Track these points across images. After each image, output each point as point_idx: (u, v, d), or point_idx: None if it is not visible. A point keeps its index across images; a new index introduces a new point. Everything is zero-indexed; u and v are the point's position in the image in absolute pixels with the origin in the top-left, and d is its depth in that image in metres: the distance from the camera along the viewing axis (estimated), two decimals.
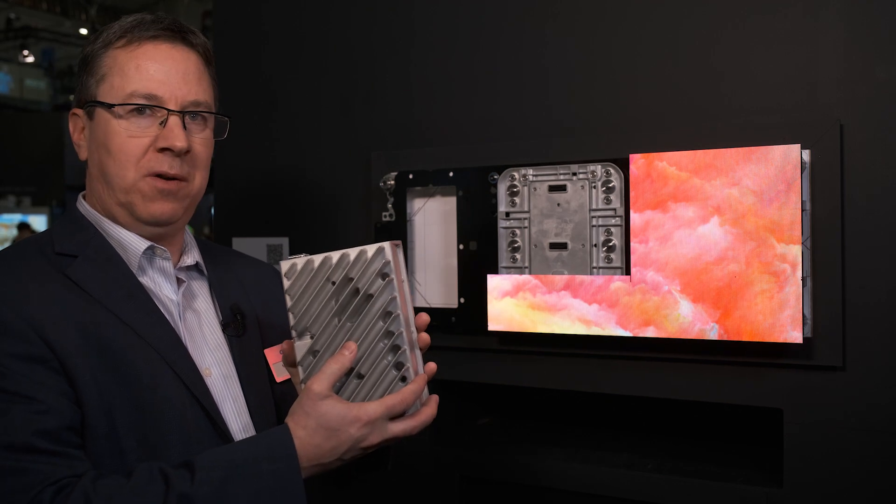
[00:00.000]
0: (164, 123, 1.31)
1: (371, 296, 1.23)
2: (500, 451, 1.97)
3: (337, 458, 1.22)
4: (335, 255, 1.23)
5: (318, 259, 1.24)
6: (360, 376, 1.24)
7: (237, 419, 1.37)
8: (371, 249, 1.22)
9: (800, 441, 1.62)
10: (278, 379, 1.47)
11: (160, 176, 1.32)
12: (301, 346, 1.25)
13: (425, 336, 1.30)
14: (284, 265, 1.25)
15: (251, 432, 1.38)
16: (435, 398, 1.28)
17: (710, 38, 1.72)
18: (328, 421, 1.20)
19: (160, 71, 1.32)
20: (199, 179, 1.38)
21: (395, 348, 1.23)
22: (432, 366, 1.30)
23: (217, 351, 1.40)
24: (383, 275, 1.22)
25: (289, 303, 1.25)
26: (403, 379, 1.24)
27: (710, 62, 1.71)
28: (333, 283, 1.23)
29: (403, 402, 1.22)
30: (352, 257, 1.23)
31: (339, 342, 1.24)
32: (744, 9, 1.68)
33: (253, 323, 1.47)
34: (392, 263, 1.22)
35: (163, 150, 1.31)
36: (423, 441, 1.96)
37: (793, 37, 1.64)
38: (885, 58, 1.57)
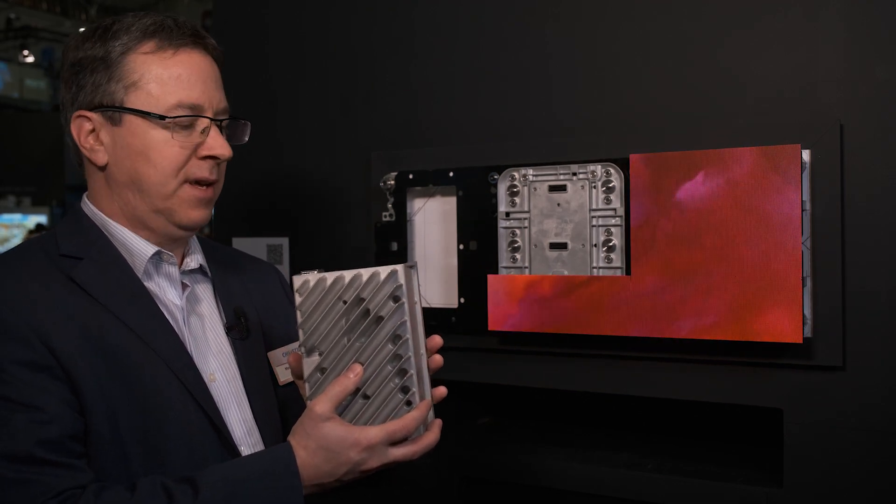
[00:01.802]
0: (205, 132, 1.33)
1: (381, 318, 1.22)
2: (500, 451, 1.97)
3: (335, 479, 1.22)
4: (348, 275, 1.23)
5: (330, 277, 1.24)
6: (366, 397, 1.23)
7: (241, 424, 1.37)
8: (384, 272, 1.21)
9: (800, 441, 1.62)
10: (281, 382, 1.47)
11: (198, 183, 1.34)
12: (309, 362, 1.25)
13: (438, 358, 1.29)
14: (297, 280, 1.25)
15: (255, 437, 1.38)
16: (438, 423, 1.27)
17: (710, 38, 1.72)
18: (328, 443, 1.20)
19: (199, 81, 1.33)
20: (222, 182, 1.41)
21: (403, 372, 1.23)
22: (442, 390, 1.29)
23: (221, 355, 1.39)
24: (395, 297, 1.21)
25: (299, 319, 1.25)
26: (409, 403, 1.23)
27: (710, 62, 1.71)
28: (345, 303, 1.23)
29: (405, 429, 1.22)
30: (364, 278, 1.22)
31: (347, 362, 1.23)
32: (744, 9, 1.68)
33: (256, 325, 1.47)
34: (404, 287, 1.22)
35: (205, 157, 1.33)
36: None
37: (793, 37, 1.64)
38: (885, 58, 1.56)
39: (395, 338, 1.22)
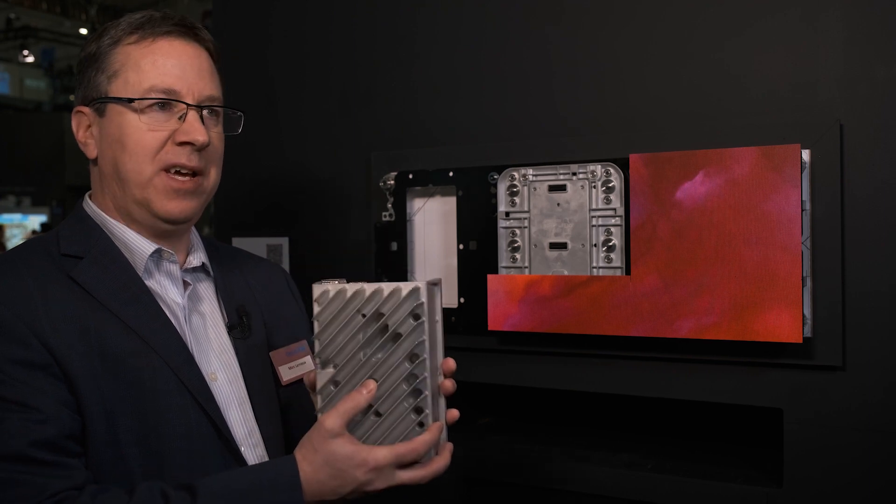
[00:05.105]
0: (182, 118, 1.32)
1: (400, 335, 1.20)
2: (500, 451, 1.97)
3: (339, 496, 1.20)
4: (369, 288, 1.21)
5: (350, 289, 1.21)
6: (378, 415, 1.21)
7: (242, 424, 1.36)
8: (406, 288, 1.20)
9: (799, 441, 1.62)
10: (284, 382, 1.46)
11: (177, 171, 1.32)
12: (323, 375, 1.23)
13: (448, 384, 1.26)
14: (317, 290, 1.23)
15: (256, 437, 1.37)
16: (449, 447, 1.25)
17: (710, 38, 1.72)
18: (335, 460, 1.18)
19: (177, 66, 1.32)
20: (214, 174, 1.39)
21: (417, 392, 1.21)
22: (455, 413, 1.28)
23: (223, 354, 1.39)
24: (415, 315, 1.20)
25: (316, 329, 1.23)
26: (421, 424, 1.21)
27: (710, 62, 1.71)
28: (364, 316, 1.21)
29: (414, 452, 1.20)
30: (385, 293, 1.20)
31: (362, 377, 1.21)
32: (744, 9, 1.68)
33: (259, 324, 1.46)
34: (426, 305, 1.19)
35: (182, 143, 1.31)
36: None
37: (793, 37, 1.64)
38: (885, 58, 1.56)
39: (413, 356, 1.20)
